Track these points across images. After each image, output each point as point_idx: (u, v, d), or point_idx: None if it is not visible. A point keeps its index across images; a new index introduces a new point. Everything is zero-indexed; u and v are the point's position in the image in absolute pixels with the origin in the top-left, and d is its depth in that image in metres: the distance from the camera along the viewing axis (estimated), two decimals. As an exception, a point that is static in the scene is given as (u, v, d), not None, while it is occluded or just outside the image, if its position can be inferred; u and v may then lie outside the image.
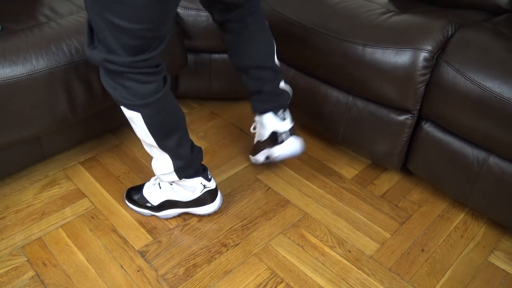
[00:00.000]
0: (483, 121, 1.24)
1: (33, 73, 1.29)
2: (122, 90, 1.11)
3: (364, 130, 1.53)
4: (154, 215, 1.43)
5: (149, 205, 1.41)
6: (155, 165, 1.31)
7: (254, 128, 1.59)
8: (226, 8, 1.34)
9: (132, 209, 1.44)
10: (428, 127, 1.42)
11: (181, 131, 1.24)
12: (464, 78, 1.25)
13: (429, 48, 1.31)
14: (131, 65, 1.07)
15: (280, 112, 1.48)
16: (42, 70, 1.30)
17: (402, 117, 1.44)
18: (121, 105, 1.15)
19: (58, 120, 1.40)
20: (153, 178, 1.44)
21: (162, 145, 1.22)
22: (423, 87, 1.35)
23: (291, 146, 1.48)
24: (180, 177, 1.30)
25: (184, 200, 1.38)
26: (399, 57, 1.33)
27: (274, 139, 1.49)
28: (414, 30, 1.35)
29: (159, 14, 1.03)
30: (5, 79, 1.25)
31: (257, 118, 1.53)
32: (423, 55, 1.30)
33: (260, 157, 1.58)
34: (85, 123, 1.57)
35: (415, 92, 1.35)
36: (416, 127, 1.46)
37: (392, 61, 1.34)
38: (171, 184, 1.36)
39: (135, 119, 1.16)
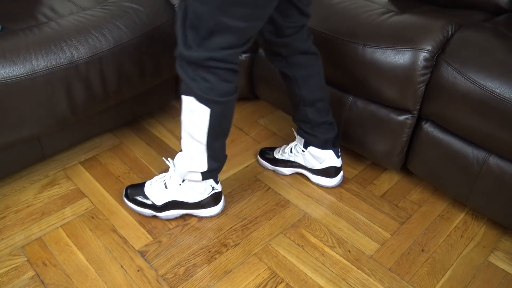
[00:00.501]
0: (483, 121, 1.24)
1: (33, 73, 1.29)
2: (202, 82, 1.13)
3: (364, 130, 1.53)
4: (154, 215, 1.42)
5: (149, 203, 1.40)
6: (185, 160, 1.29)
7: (291, 151, 1.58)
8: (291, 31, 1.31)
9: (131, 208, 1.43)
10: (428, 127, 1.42)
11: (227, 136, 1.27)
12: (464, 78, 1.25)
13: (429, 48, 1.31)
14: (226, 59, 1.11)
15: (339, 150, 1.52)
16: (42, 70, 1.30)
17: (402, 117, 1.44)
18: (193, 96, 1.15)
19: (58, 120, 1.40)
20: (157, 176, 1.43)
21: (209, 144, 1.23)
22: (423, 87, 1.35)
23: (339, 180, 1.56)
24: (204, 179, 1.31)
25: (190, 201, 1.38)
26: (399, 57, 1.33)
27: (327, 172, 1.53)
28: (414, 30, 1.35)
29: (268, 12, 1.10)
30: (5, 79, 1.25)
31: (311, 150, 1.50)
32: (423, 55, 1.30)
33: (287, 171, 1.60)
34: (85, 123, 1.57)
35: (415, 92, 1.35)
36: (416, 127, 1.46)
37: (392, 61, 1.34)
38: (179, 185, 1.36)
39: (199, 113, 1.17)
